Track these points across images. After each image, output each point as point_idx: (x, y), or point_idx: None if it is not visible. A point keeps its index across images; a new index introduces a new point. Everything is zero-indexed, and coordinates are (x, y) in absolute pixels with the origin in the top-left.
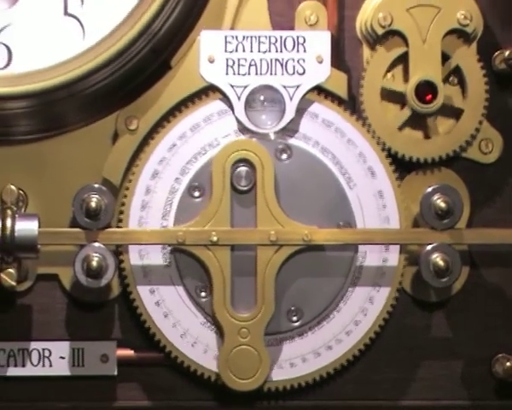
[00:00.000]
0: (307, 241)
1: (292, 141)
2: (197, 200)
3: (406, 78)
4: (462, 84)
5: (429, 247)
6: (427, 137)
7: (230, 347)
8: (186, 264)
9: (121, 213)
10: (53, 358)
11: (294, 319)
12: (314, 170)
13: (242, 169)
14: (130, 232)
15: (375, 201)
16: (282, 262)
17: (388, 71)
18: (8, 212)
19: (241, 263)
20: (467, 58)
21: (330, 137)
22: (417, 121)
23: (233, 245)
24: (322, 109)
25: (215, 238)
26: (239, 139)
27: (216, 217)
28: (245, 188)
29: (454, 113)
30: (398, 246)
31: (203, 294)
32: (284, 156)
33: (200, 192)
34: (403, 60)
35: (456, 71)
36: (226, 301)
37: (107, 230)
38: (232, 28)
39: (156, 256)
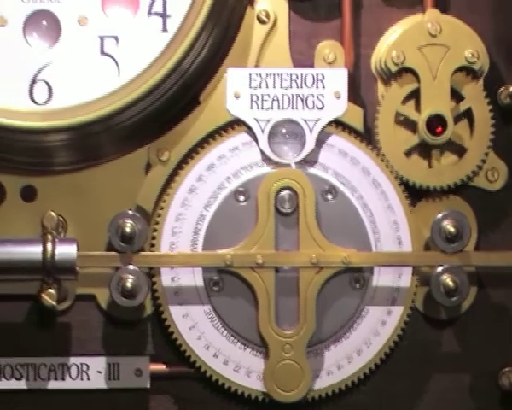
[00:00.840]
0: (346, 263)
1: (311, 170)
2: (242, 204)
3: (418, 110)
4: (469, 117)
5: (440, 268)
6: (437, 166)
7: (275, 361)
8: (220, 285)
9: (153, 238)
10: (90, 372)
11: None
12: (333, 199)
13: (286, 193)
14: (164, 256)
15: (389, 225)
16: (323, 283)
17: (404, 102)
18: (49, 237)
19: (285, 283)
20: (474, 93)
21: (347, 167)
22: (428, 151)
23: (277, 267)
24: (339, 141)
25: (260, 261)
26: (282, 169)
27: (261, 241)
28: (288, 210)
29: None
30: (410, 267)
31: (217, 299)
32: None
33: (244, 198)
34: (415, 95)
35: (466, 113)
36: (271, 318)
37: (140, 253)
38: (256, 66)
39: (187, 278)
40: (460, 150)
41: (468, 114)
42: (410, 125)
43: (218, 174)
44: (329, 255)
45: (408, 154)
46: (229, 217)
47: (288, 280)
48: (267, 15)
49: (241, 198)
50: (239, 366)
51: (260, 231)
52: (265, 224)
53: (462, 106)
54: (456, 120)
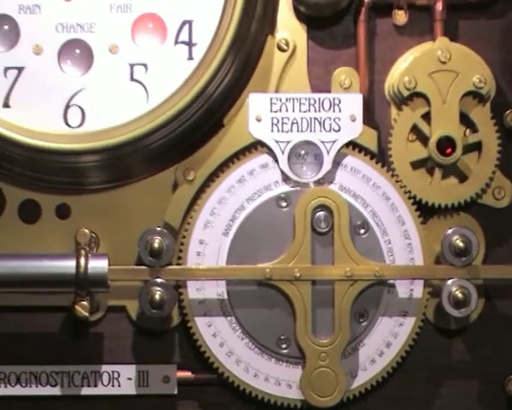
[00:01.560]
0: (378, 276)
1: (332, 187)
2: (283, 210)
3: (429, 132)
4: (477, 141)
5: (449, 281)
6: (448, 185)
7: (311, 369)
8: (237, 296)
9: (180, 251)
10: (121, 379)
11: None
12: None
13: (321, 213)
14: (191, 269)
15: (403, 241)
16: (357, 295)
17: (413, 129)
18: (82, 252)
19: (321, 296)
20: (482, 116)
21: (361, 185)
22: (439, 171)
23: (314, 280)
24: (354, 161)
25: (298, 274)
26: (318, 188)
27: (298, 255)
28: (324, 230)
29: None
30: (422, 280)
31: (240, 310)
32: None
33: (265, 218)
34: (426, 118)
35: (473, 129)
36: (308, 329)
37: (168, 267)
38: (276, 91)
39: (211, 291)
40: (462, 176)
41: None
42: (422, 139)
43: (244, 190)
44: (363, 269)
45: (420, 173)
46: (249, 236)
47: (324, 292)
48: (287, 44)
49: (283, 206)
50: (258, 372)
51: (297, 247)
52: (302, 240)
53: (472, 138)
54: (467, 147)
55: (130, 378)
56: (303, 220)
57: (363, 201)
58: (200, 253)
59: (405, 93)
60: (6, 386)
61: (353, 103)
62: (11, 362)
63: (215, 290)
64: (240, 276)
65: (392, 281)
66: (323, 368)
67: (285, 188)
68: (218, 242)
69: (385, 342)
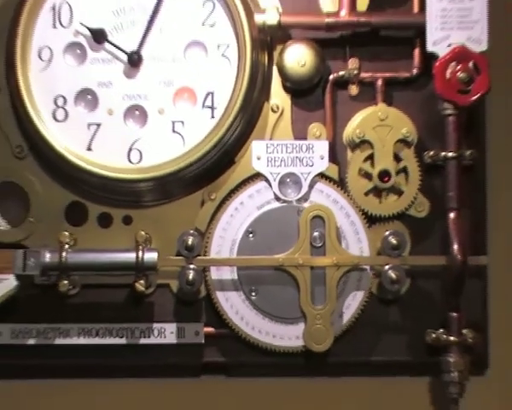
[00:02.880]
0: (356, 263)
1: (305, 204)
2: (251, 239)
3: (373, 167)
4: (405, 171)
5: (387, 267)
6: (385, 202)
7: (311, 326)
8: (245, 277)
9: (206, 246)
10: (166, 333)
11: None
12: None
13: (317, 234)
14: (213, 259)
15: (356, 239)
16: (341, 276)
17: (363, 162)
18: (140, 247)
19: (317, 277)
20: (408, 156)
21: (328, 204)
22: (379, 193)
23: (312, 266)
24: (323, 186)
25: (301, 262)
26: (315, 204)
27: (301, 249)
28: (319, 245)
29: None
30: (369, 266)
31: (253, 294)
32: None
33: (253, 234)
34: (370, 157)
35: (403, 167)
36: (308, 299)
37: (197, 257)
38: (271, 139)
39: (227, 274)
40: (400, 192)
41: (404, 170)
42: (368, 176)
43: (250, 204)
44: (345, 258)
45: (366, 194)
46: (254, 233)
47: (319, 275)
48: (277, 107)
49: (275, 216)
50: (261, 330)
51: (301, 244)
52: (304, 239)
53: (401, 165)
54: (398, 173)
55: (172, 332)
56: (305, 225)
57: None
58: (220, 247)
59: (357, 141)
60: (89, 337)
61: (322, 147)
62: (93, 321)
63: (229, 274)
64: (258, 264)
65: (362, 267)
66: (318, 326)
67: (276, 204)
68: (231, 241)
69: (345, 308)
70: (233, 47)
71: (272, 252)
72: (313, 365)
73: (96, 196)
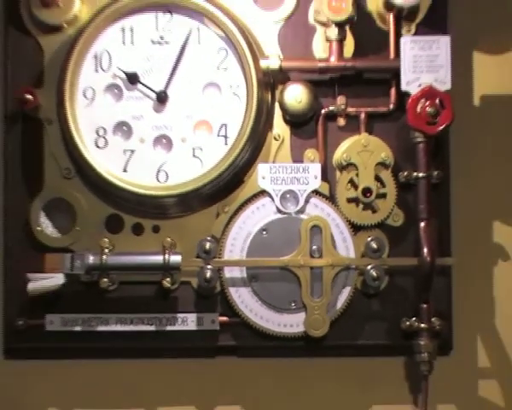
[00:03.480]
0: (347, 264)
1: (302, 216)
2: (264, 235)
3: (357, 186)
4: (384, 189)
5: (369, 266)
6: (368, 214)
7: (310, 316)
8: (257, 276)
9: (220, 250)
10: (188, 321)
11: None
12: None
13: (315, 247)
14: (227, 260)
15: (344, 244)
16: (335, 274)
17: (349, 183)
18: (166, 251)
19: (316, 275)
20: (386, 176)
21: (322, 215)
22: (363, 206)
23: (312, 266)
24: (316, 201)
25: (302, 263)
26: (313, 215)
27: (302, 253)
28: (317, 256)
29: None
30: (354, 266)
31: (255, 284)
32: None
33: (266, 232)
34: (356, 177)
35: (382, 185)
36: (308, 293)
37: (214, 259)
38: (273, 162)
39: (237, 273)
40: (379, 205)
41: (384, 187)
42: (353, 193)
43: (258, 215)
44: (338, 260)
45: (352, 208)
46: (259, 242)
47: (317, 273)
48: (279, 136)
49: (277, 226)
50: (266, 319)
51: (303, 248)
52: (305, 244)
53: (382, 190)
54: (378, 192)
55: (192, 321)
56: (305, 233)
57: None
58: (232, 251)
59: (344, 163)
60: (124, 325)
61: (315, 169)
62: (128, 312)
63: (239, 273)
64: (267, 265)
65: (349, 267)
66: (317, 315)
67: (278, 216)
68: (240, 245)
69: (337, 300)
70: (242, 87)
71: (277, 251)
72: (312, 347)
73: (131, 209)
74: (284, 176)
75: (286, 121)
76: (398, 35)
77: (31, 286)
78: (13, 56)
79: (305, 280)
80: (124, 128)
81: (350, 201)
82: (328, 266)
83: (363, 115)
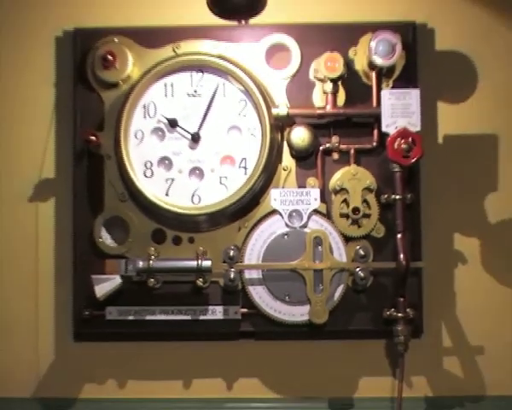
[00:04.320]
0: (341, 267)
1: (305, 230)
2: (285, 239)
3: (348, 206)
4: (369, 208)
5: (357, 269)
6: (356, 228)
7: (314, 307)
8: (270, 277)
9: (242, 256)
10: (216, 312)
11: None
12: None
13: (317, 254)
14: (247, 264)
15: (338, 251)
16: (333, 275)
17: (341, 203)
18: (199, 257)
19: (318, 276)
20: (371, 199)
21: (321, 229)
22: (353, 222)
23: (315, 269)
24: (316, 218)
25: (307, 266)
26: (315, 228)
27: (307, 258)
28: (318, 261)
29: (367, 219)
30: (346, 268)
31: (268, 283)
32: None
33: (288, 235)
34: (348, 199)
35: (367, 205)
36: (312, 290)
37: (236, 263)
38: (283, 187)
39: (254, 274)
40: (367, 221)
41: (369, 208)
42: (345, 211)
43: (269, 229)
44: (335, 263)
45: (344, 223)
46: (276, 247)
47: (319, 274)
48: (287, 167)
49: (286, 237)
50: (278, 310)
51: (307, 255)
52: (309, 251)
53: (368, 211)
54: (365, 211)
55: (220, 311)
56: (309, 242)
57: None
58: (250, 257)
59: (338, 188)
60: (167, 315)
61: (315, 193)
62: (170, 305)
63: (256, 274)
64: (281, 268)
65: (343, 269)
66: (318, 307)
67: (286, 229)
68: (257, 253)
69: (334, 295)
70: (258, 129)
71: (285, 256)
72: (314, 332)
73: (171, 225)
74: (291, 198)
75: (292, 156)
76: (379, 88)
77: (98, 292)
78: (81, 107)
79: (309, 280)
80: (166, 162)
81: (342, 217)
82: (327, 268)
83: (352, 151)
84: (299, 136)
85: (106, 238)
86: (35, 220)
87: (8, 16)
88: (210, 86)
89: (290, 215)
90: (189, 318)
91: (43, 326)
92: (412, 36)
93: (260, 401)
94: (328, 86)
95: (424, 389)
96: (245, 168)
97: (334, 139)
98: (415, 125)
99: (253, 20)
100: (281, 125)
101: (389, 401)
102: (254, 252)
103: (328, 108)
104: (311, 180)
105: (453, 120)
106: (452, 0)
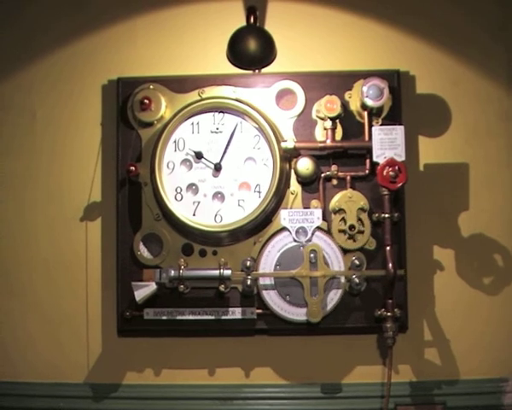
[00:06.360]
0: (334, 274)
1: (310, 244)
2: (286, 256)
3: (346, 223)
4: (363, 225)
5: (353, 276)
6: (352, 242)
7: (310, 308)
8: (280, 283)
9: (257, 266)
10: (236, 312)
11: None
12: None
13: (313, 255)
14: (261, 273)
15: (337, 261)
16: (326, 282)
17: (340, 221)
18: (221, 267)
19: (314, 282)
20: (365, 217)
21: (321, 243)
22: (350, 237)
23: (311, 276)
24: (319, 234)
25: (305, 274)
26: (311, 243)
27: (305, 267)
28: (314, 270)
29: (361, 235)
30: (344, 276)
31: (279, 288)
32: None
33: (285, 254)
34: (344, 217)
35: (361, 223)
36: (309, 294)
37: (253, 272)
38: (290, 208)
39: (267, 280)
40: (361, 236)
41: (363, 226)
42: (342, 228)
43: (280, 243)
44: (328, 272)
45: (342, 238)
46: (290, 258)
47: (315, 281)
48: (294, 192)
49: (285, 255)
50: (287, 311)
51: (305, 265)
52: (306, 262)
53: (362, 227)
54: (360, 227)
55: (239, 312)
56: (306, 255)
57: (322, 247)
58: (264, 267)
59: (336, 209)
60: (195, 315)
61: (318, 213)
62: (197, 307)
63: (269, 281)
64: (286, 276)
65: (340, 276)
66: (314, 309)
67: (294, 244)
68: (270, 262)
69: (331, 299)
70: (270, 160)
71: (294, 266)
72: (312, 329)
73: (198, 240)
74: (298, 217)
75: (298, 182)
76: (370, 125)
77: (137, 296)
78: (122, 142)
79: (306, 285)
80: (193, 187)
81: (341, 233)
82: (322, 276)
83: (348, 177)
84: (304, 165)
85: (143, 251)
86: (85, 237)
87: (63, 69)
88: (229, 125)
89: (297, 231)
90: (212, 317)
91: (93, 324)
92: (397, 82)
93: (272, 387)
94: (328, 124)
95: (409, 375)
96: (259, 192)
97: (334, 168)
98: (400, 155)
99: (265, 70)
100: (288, 156)
101: (380, 386)
102: (268, 262)
103: (328, 142)
104: (315, 202)
105: (432, 151)
106: (430, 52)
